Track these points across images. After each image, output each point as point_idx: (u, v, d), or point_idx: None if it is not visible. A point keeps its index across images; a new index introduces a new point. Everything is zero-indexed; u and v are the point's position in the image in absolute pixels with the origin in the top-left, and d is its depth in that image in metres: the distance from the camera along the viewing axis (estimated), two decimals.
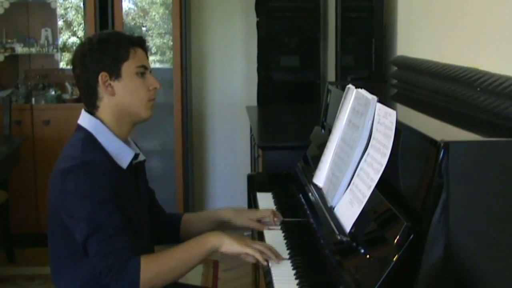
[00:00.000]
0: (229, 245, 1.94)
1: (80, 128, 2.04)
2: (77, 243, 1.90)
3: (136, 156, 2.08)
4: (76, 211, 1.89)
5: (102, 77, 2.00)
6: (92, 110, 2.05)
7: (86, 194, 1.88)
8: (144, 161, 2.17)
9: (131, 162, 2.05)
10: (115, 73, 2.01)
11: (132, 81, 2.03)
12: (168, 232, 2.36)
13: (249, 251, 1.94)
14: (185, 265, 1.93)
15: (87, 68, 2.02)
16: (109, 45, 2.02)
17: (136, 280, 1.84)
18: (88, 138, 2.00)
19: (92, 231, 1.85)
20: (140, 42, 2.07)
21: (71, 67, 2.09)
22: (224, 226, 2.34)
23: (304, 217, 2.27)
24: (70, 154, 1.96)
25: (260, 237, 2.29)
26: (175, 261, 1.92)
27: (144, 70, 2.05)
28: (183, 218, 2.37)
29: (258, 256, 1.94)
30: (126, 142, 2.09)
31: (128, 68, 2.02)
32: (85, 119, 2.05)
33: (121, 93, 2.02)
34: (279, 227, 2.31)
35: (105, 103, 2.03)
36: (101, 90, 2.02)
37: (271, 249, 1.99)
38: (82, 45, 2.07)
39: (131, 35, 2.08)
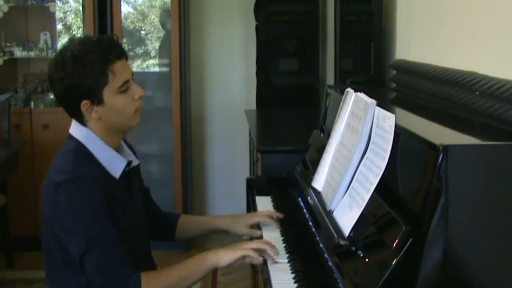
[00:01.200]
0: (224, 257, 1.95)
1: (71, 137, 2.00)
2: (72, 256, 1.89)
3: (129, 163, 2.06)
4: (70, 227, 1.87)
5: (84, 106, 1.93)
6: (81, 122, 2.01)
7: (79, 210, 1.86)
8: (138, 165, 2.16)
9: (124, 170, 2.03)
10: (97, 100, 1.93)
11: (115, 101, 1.94)
12: (164, 230, 2.37)
13: (243, 252, 1.95)
14: (185, 283, 1.94)
15: (67, 94, 1.93)
16: (85, 69, 1.89)
17: None
18: (79, 149, 1.96)
19: (89, 247, 1.84)
20: (117, 56, 1.94)
21: (49, 85, 1.98)
22: (221, 234, 2.38)
23: (303, 221, 2.27)
24: (61, 166, 1.93)
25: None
26: (175, 278, 1.92)
27: (126, 85, 1.96)
28: (180, 219, 2.38)
29: (252, 253, 1.95)
30: (118, 147, 2.07)
31: (110, 91, 1.93)
32: (76, 129, 2.00)
33: (106, 116, 1.96)
34: (278, 231, 2.32)
35: (92, 123, 1.98)
36: (85, 115, 1.96)
37: (267, 243, 2.00)
38: (55, 66, 1.93)
39: (105, 49, 1.92)
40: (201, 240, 5.01)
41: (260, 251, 1.98)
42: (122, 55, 1.96)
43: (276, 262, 1.99)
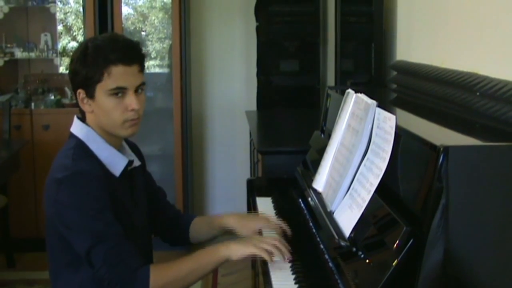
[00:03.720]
0: (236, 251, 1.93)
1: (72, 136, 2.02)
2: (76, 253, 1.90)
3: (130, 162, 2.06)
4: (74, 223, 1.88)
5: (79, 94, 1.97)
6: (82, 117, 2.04)
7: (81, 206, 1.86)
8: (140, 166, 2.16)
9: (125, 169, 2.03)
10: (89, 93, 1.95)
11: (105, 102, 1.94)
12: (177, 234, 2.34)
13: (255, 251, 1.93)
14: (195, 276, 1.93)
15: (71, 78, 1.99)
16: (87, 61, 1.92)
17: None
18: (79, 146, 1.98)
19: (95, 243, 1.84)
20: (121, 60, 1.92)
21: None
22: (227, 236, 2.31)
23: (304, 222, 2.27)
24: (62, 163, 1.94)
25: None
26: (185, 271, 1.91)
27: (119, 91, 1.93)
28: (194, 221, 2.33)
29: (265, 256, 1.92)
30: (120, 148, 2.08)
31: (101, 89, 1.93)
32: (77, 127, 2.03)
33: (96, 112, 1.98)
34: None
35: (90, 119, 2.02)
36: (80, 104, 2.00)
37: (278, 245, 1.96)
38: (77, 48, 2.02)
39: (114, 49, 1.92)
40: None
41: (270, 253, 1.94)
42: (129, 61, 1.94)
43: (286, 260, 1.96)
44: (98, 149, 1.99)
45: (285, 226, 2.22)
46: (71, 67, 1.98)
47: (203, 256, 1.95)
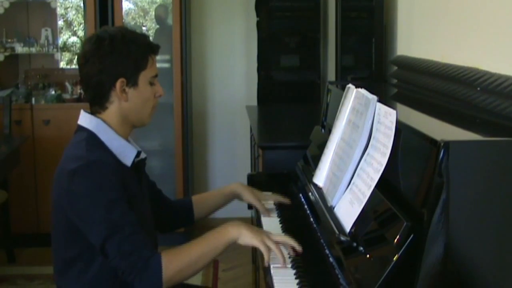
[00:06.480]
0: (245, 236, 1.93)
1: (82, 128, 2.02)
2: (87, 246, 1.90)
3: (138, 154, 2.08)
4: (89, 214, 1.88)
5: (120, 83, 1.98)
6: (97, 109, 2.04)
7: (97, 196, 1.87)
8: (145, 158, 2.17)
9: (134, 160, 2.05)
10: (133, 81, 2.00)
11: (145, 90, 2.03)
12: (182, 216, 2.41)
13: (261, 248, 1.92)
14: (205, 259, 1.93)
15: (105, 69, 1.97)
16: (131, 50, 1.98)
17: (159, 277, 1.84)
18: (91, 137, 1.99)
19: (110, 233, 1.85)
20: (157, 50, 2.07)
21: (81, 61, 2.01)
22: (234, 198, 2.48)
23: (304, 217, 2.27)
24: (76, 154, 1.94)
25: None
26: (196, 255, 1.91)
27: (155, 80, 2.06)
28: (193, 200, 2.43)
29: (266, 256, 1.92)
30: (127, 140, 2.09)
31: (144, 77, 2.02)
32: (86, 120, 2.03)
33: (133, 100, 2.02)
34: (280, 227, 2.32)
35: (115, 106, 2.02)
36: (114, 94, 2.00)
37: (283, 247, 1.97)
38: (100, 40, 1.98)
39: (149, 41, 2.06)
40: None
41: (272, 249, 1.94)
42: (158, 50, 2.08)
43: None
44: (108, 140, 2.01)
45: (285, 200, 2.51)
46: (107, 59, 1.96)
47: (213, 237, 1.95)
